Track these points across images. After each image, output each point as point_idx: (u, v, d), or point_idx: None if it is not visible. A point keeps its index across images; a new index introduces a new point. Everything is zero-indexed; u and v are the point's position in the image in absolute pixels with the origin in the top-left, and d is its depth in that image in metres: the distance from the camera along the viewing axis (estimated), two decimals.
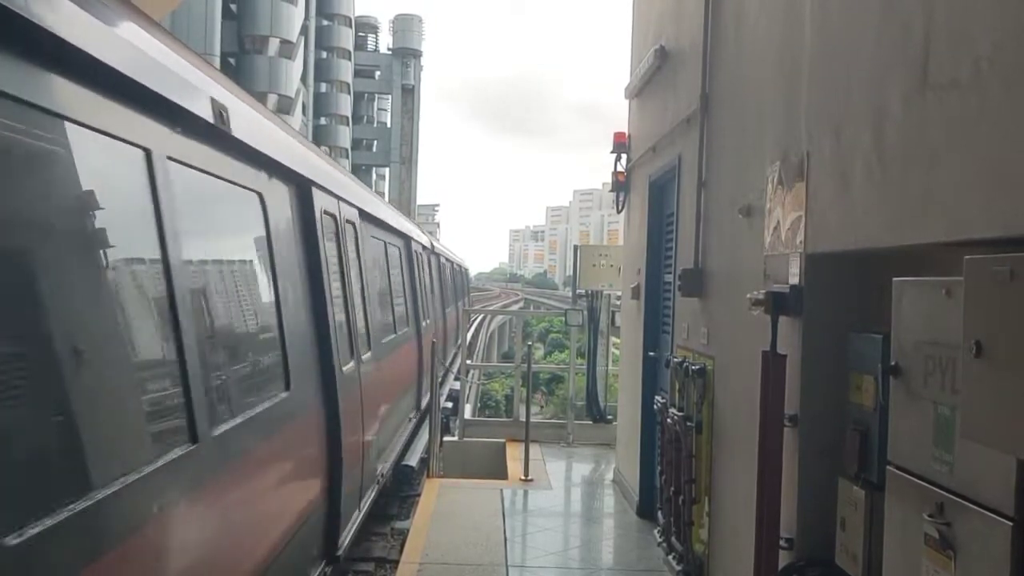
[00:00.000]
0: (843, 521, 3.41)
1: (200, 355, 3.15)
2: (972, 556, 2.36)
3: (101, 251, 2.64)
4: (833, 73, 3.52)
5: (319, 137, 53.71)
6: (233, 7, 43.31)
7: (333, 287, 5.56)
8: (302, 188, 5.17)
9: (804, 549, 3.73)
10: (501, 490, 8.30)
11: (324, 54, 57.23)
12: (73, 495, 2.25)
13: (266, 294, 4.46)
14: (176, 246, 3.03)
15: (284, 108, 43.01)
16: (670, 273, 6.70)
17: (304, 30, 48.64)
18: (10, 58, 2.16)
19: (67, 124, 2.42)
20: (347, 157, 57.53)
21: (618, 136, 8.66)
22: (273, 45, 44.36)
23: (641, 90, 7.96)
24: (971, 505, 2.37)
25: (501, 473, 9.28)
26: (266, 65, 43.97)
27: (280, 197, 4.78)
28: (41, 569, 2.09)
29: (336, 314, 5.58)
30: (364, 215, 7.40)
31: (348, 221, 6.50)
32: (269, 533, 4.16)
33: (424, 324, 11.89)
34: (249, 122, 4.03)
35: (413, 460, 10.13)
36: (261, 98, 38.52)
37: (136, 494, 2.57)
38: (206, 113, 3.31)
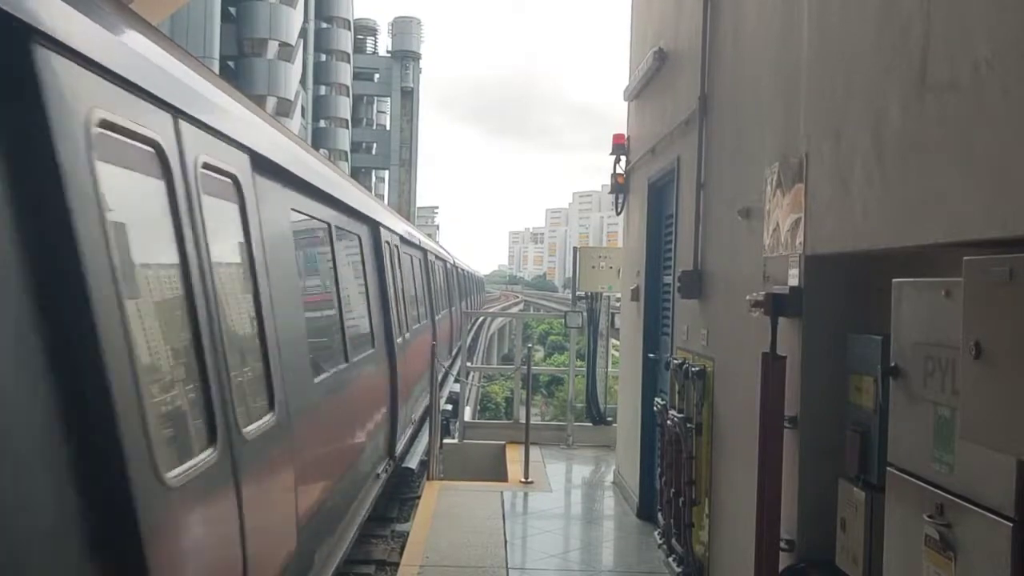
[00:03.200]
0: (843, 522, 3.41)
1: None
2: (973, 557, 2.36)
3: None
4: (832, 75, 3.52)
5: (318, 140, 53.70)
6: (232, 10, 43.33)
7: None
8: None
9: (804, 550, 3.73)
10: (501, 492, 8.30)
11: (323, 57, 57.22)
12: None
13: None
14: None
15: (283, 111, 43.01)
16: (669, 275, 6.70)
17: (303, 33, 48.65)
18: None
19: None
20: (346, 160, 57.53)
21: (617, 138, 8.67)
22: (272, 48, 44.34)
23: (640, 92, 7.96)
24: (971, 506, 2.37)
25: (501, 475, 9.28)
26: (265, 68, 43.94)
27: None
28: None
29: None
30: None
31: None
32: None
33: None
34: None
35: (413, 463, 10.14)
36: (260, 101, 38.55)
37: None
38: None
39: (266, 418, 3.73)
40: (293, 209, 4.90)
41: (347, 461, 6.02)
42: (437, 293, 15.71)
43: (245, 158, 3.86)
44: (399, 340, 8.65)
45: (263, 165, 4.16)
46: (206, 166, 3.29)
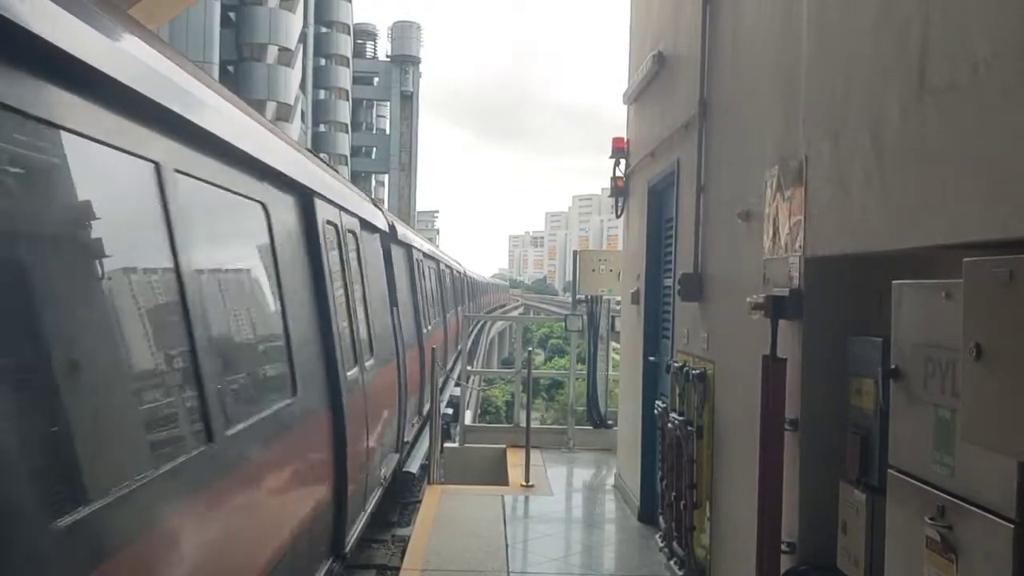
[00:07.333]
0: (844, 525, 3.41)
1: None
2: (974, 559, 2.36)
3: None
4: (831, 77, 3.53)
5: (318, 144, 53.72)
6: (232, 15, 43.37)
7: None
8: None
9: (806, 553, 3.73)
10: (502, 496, 8.29)
11: (323, 61, 57.29)
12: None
13: None
14: None
15: (283, 115, 43.03)
16: (670, 278, 6.70)
17: (303, 37, 48.67)
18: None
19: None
20: (346, 164, 57.56)
21: (617, 141, 8.67)
22: (272, 53, 44.37)
23: (639, 95, 7.97)
24: (972, 508, 2.37)
25: (502, 479, 9.27)
26: (265, 72, 43.98)
27: None
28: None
29: None
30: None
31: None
32: None
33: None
34: None
35: (414, 467, 10.13)
36: (260, 106, 38.57)
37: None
38: None
39: (369, 362, 6.66)
40: (380, 246, 8.30)
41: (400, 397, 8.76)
42: (442, 297, 16.68)
43: (356, 221, 6.81)
44: (424, 331, 11.42)
45: (365, 224, 7.25)
46: (348, 230, 6.33)
